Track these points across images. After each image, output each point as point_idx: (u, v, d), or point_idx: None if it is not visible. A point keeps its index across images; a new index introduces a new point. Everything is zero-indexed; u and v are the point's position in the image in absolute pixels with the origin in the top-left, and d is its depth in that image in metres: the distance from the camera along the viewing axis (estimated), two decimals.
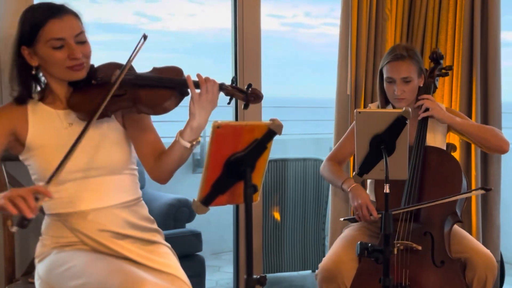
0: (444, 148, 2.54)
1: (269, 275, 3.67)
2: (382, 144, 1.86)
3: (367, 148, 1.89)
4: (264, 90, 3.02)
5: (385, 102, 2.53)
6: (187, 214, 3.61)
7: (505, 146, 2.46)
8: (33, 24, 1.71)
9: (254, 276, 1.32)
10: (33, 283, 2.02)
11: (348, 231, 2.48)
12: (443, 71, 2.59)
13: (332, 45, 3.34)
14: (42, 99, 1.82)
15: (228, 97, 1.82)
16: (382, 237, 2.31)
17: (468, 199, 3.04)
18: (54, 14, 1.70)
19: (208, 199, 1.38)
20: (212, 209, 1.42)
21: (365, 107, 2.96)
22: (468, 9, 3.01)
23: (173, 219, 3.55)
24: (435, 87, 2.55)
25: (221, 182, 1.37)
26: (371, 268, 2.21)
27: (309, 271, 3.88)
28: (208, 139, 1.35)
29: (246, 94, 1.80)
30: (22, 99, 1.79)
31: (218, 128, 1.31)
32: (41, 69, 1.77)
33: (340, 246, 2.37)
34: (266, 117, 1.50)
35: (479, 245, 2.34)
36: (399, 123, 1.85)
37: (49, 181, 1.61)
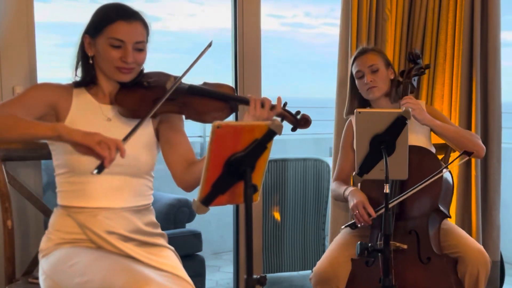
0: (431, 148, 2.54)
1: (269, 275, 3.66)
2: (382, 144, 1.87)
3: (367, 148, 1.89)
4: (264, 90, 3.03)
5: (359, 105, 2.59)
6: (187, 214, 3.61)
7: (480, 151, 2.49)
8: (103, 18, 1.80)
9: (254, 276, 1.32)
10: (33, 283, 2.02)
11: (341, 234, 2.50)
12: (421, 70, 2.61)
13: (332, 45, 3.33)
14: (87, 88, 1.87)
15: (279, 118, 1.93)
16: (373, 237, 2.32)
17: (468, 198, 3.04)
18: (124, 17, 1.80)
19: (208, 199, 1.38)
20: (212, 209, 1.42)
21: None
22: (468, 9, 3.01)
23: (173, 219, 3.55)
24: (413, 87, 2.56)
25: (221, 182, 1.37)
26: (363, 271, 2.22)
27: (309, 271, 3.88)
28: (208, 139, 1.35)
29: (296, 118, 1.93)
30: (84, 83, 1.86)
31: (218, 128, 1.31)
32: (94, 59, 1.84)
33: (333, 249, 2.37)
34: None
35: (471, 240, 2.34)
36: (399, 123, 1.85)
37: (126, 138, 1.65)
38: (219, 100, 1.88)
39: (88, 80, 1.86)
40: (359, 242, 1.85)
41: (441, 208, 2.31)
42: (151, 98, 1.82)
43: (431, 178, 2.23)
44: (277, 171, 3.68)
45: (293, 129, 1.94)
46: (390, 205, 2.22)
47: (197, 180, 1.87)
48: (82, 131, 1.59)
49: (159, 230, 1.94)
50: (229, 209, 3.06)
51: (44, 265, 1.79)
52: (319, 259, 2.37)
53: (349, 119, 2.67)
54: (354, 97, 2.61)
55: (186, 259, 3.22)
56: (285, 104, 1.93)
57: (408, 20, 3.13)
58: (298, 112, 1.94)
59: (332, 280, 2.25)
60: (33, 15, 2.34)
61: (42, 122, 1.67)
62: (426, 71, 2.69)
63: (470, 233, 2.93)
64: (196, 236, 3.34)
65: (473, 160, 3.02)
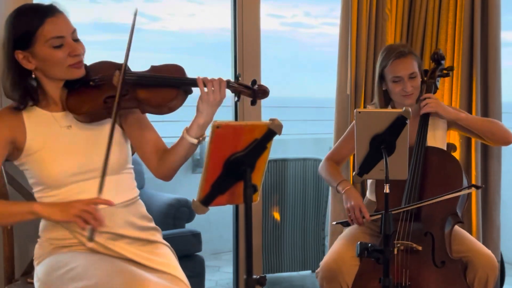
0: (445, 146, 2.54)
1: (269, 275, 3.66)
2: (382, 144, 1.86)
3: (367, 148, 1.89)
4: None
5: (385, 103, 2.53)
6: (187, 214, 3.60)
7: (510, 138, 2.46)
8: (28, 26, 1.68)
9: (254, 276, 1.32)
10: (32, 283, 2.02)
11: (349, 229, 2.48)
12: (444, 71, 2.59)
13: (332, 45, 3.33)
14: (35, 103, 1.78)
15: (235, 95, 1.83)
16: (382, 237, 2.32)
17: (469, 199, 3.03)
18: (49, 14, 1.69)
19: (207, 199, 1.38)
20: (212, 209, 1.42)
21: (365, 107, 2.96)
22: (468, 9, 3.00)
23: (173, 219, 3.54)
24: (436, 88, 2.56)
25: (221, 182, 1.37)
26: (372, 268, 2.21)
27: (309, 271, 3.88)
28: (208, 139, 1.34)
29: (253, 90, 1.81)
30: (24, 104, 1.76)
31: (218, 128, 1.31)
32: (37, 71, 1.74)
33: (341, 244, 2.36)
34: (266, 117, 1.50)
35: (480, 245, 2.34)
36: (399, 123, 1.85)
37: (100, 189, 1.63)
38: (171, 87, 1.77)
39: (33, 97, 1.76)
40: (358, 242, 1.84)
41: (458, 212, 2.32)
42: (101, 97, 1.74)
43: (455, 192, 2.23)
44: (277, 171, 3.68)
45: (253, 103, 1.82)
46: (410, 208, 2.25)
47: (172, 168, 1.85)
48: (58, 206, 1.62)
49: (153, 224, 1.92)
50: (229, 209, 3.05)
51: (38, 272, 1.77)
52: (319, 259, 2.37)
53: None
54: (381, 95, 2.51)
55: (186, 259, 3.23)
56: (237, 77, 1.84)
57: (408, 20, 3.12)
58: (254, 82, 1.82)
59: (339, 275, 2.24)
60: None
61: (18, 205, 1.71)
62: (450, 73, 2.65)
63: (470, 233, 2.93)
64: (196, 236, 3.34)
65: (473, 159, 3.03)
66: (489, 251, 2.29)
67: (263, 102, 3.03)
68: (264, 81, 3.02)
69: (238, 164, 1.35)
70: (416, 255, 2.24)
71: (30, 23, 1.68)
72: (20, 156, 1.78)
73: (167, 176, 1.88)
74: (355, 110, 1.91)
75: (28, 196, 2.18)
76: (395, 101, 2.49)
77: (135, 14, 1.75)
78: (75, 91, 1.77)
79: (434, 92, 2.54)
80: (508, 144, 2.58)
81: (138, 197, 1.92)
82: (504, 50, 3.14)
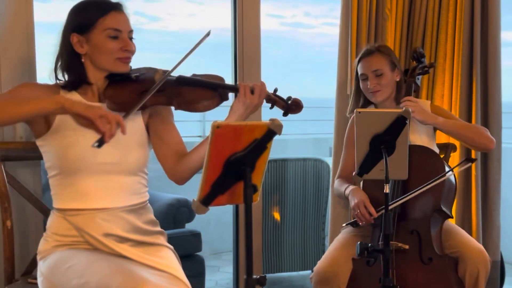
0: (434, 148, 2.53)
1: (269, 275, 3.66)
2: (382, 144, 1.86)
3: (367, 148, 1.89)
4: None
5: (364, 103, 2.58)
6: (187, 214, 3.60)
7: (490, 144, 2.45)
8: (93, 13, 1.78)
9: (254, 276, 1.32)
10: (32, 283, 2.02)
11: (342, 233, 2.50)
12: (425, 69, 2.60)
13: (332, 45, 3.34)
14: (75, 88, 1.84)
15: (270, 104, 1.92)
16: (375, 237, 2.32)
17: (469, 199, 3.03)
18: (115, 7, 1.80)
19: (208, 199, 1.38)
20: (212, 209, 1.42)
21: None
22: (468, 9, 3.00)
23: (173, 219, 3.54)
24: (417, 86, 2.56)
25: (221, 182, 1.37)
26: (364, 271, 2.22)
27: (309, 271, 3.88)
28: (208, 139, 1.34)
29: (287, 103, 1.91)
30: (73, 85, 1.82)
31: (218, 128, 1.31)
32: (86, 57, 1.81)
33: (334, 249, 2.37)
34: (266, 117, 1.50)
35: (470, 239, 2.34)
36: (399, 123, 1.85)
37: (126, 116, 1.66)
38: (208, 88, 1.84)
39: (80, 80, 1.83)
40: (359, 242, 1.84)
41: (443, 208, 2.31)
42: (140, 90, 1.80)
43: (435, 180, 2.22)
44: (277, 171, 3.68)
45: (285, 114, 1.93)
46: (392, 206, 2.23)
47: (188, 172, 1.87)
48: (85, 103, 1.59)
49: (158, 228, 1.93)
50: (229, 209, 3.05)
51: (42, 267, 1.78)
52: (319, 259, 2.37)
53: (352, 117, 2.66)
54: (358, 95, 2.60)
55: (186, 259, 3.22)
56: (275, 90, 1.92)
57: (408, 20, 3.13)
58: (289, 98, 1.92)
59: (333, 279, 2.25)
60: (33, 15, 2.33)
61: (42, 97, 1.66)
62: (430, 70, 2.67)
63: (470, 233, 2.93)
64: (196, 236, 3.34)
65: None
66: (479, 245, 2.28)
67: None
68: (264, 81, 3.02)
69: (238, 164, 1.35)
70: (404, 254, 2.23)
71: (95, 12, 1.78)
72: (46, 133, 1.79)
73: (181, 179, 1.91)
74: (355, 110, 1.91)
75: (29, 196, 2.18)
76: (369, 99, 2.54)
77: (208, 34, 1.84)
78: (116, 83, 1.84)
79: (415, 91, 2.54)
80: (489, 151, 2.62)
81: (147, 202, 1.93)
82: (504, 50, 3.15)
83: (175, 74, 1.85)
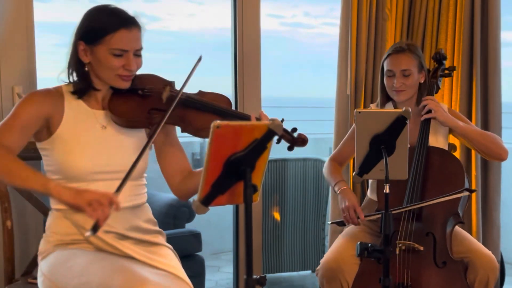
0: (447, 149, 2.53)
1: (269, 275, 3.66)
2: (382, 144, 1.86)
3: (367, 148, 1.89)
4: (264, 90, 3.03)
5: (386, 99, 2.53)
6: (187, 214, 3.60)
7: (504, 155, 2.46)
8: (102, 26, 1.72)
9: (254, 276, 1.32)
10: (32, 283, 2.02)
11: (350, 228, 2.48)
12: (446, 71, 2.59)
13: (332, 45, 3.33)
14: (80, 96, 1.82)
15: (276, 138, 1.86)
16: (382, 236, 2.32)
17: (469, 200, 3.03)
18: (126, 24, 1.73)
19: (208, 199, 1.38)
20: (212, 209, 1.42)
21: (365, 107, 2.96)
22: (468, 9, 3.00)
23: (173, 219, 3.54)
24: (438, 88, 2.56)
25: (221, 182, 1.37)
26: (373, 268, 2.21)
27: (309, 271, 3.88)
28: (208, 139, 1.34)
29: (293, 137, 1.88)
30: (81, 92, 1.80)
31: (218, 128, 1.31)
32: (89, 65, 1.78)
33: (342, 243, 2.36)
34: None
35: (481, 246, 2.34)
36: (399, 123, 1.85)
37: (118, 189, 1.61)
38: (217, 115, 1.83)
39: (84, 88, 1.80)
40: (359, 242, 1.84)
41: (460, 212, 2.32)
42: (146, 108, 1.78)
43: (454, 194, 2.23)
44: (277, 171, 3.68)
45: (290, 148, 1.90)
46: (411, 207, 2.25)
47: (192, 191, 1.89)
48: (73, 190, 1.58)
49: (157, 228, 1.94)
50: (229, 209, 3.05)
51: (43, 267, 1.78)
52: (319, 259, 2.37)
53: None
54: (383, 90, 2.53)
55: (186, 259, 3.21)
56: (282, 121, 1.86)
57: (408, 20, 3.13)
58: (294, 130, 1.90)
59: (339, 274, 2.25)
60: (33, 14, 2.34)
61: (35, 174, 1.63)
62: (453, 73, 2.65)
63: (470, 233, 2.93)
64: (196, 236, 3.33)
65: (473, 160, 3.03)
66: (489, 252, 2.28)
67: (263, 102, 3.04)
68: (264, 81, 3.02)
69: (238, 164, 1.35)
70: (418, 255, 2.24)
71: (105, 25, 1.72)
72: (48, 139, 1.78)
73: (185, 196, 1.93)
74: (355, 110, 1.91)
75: (29, 196, 2.18)
76: (391, 96, 2.50)
77: (199, 60, 1.82)
78: (121, 95, 1.81)
79: (436, 92, 2.54)
80: (501, 161, 2.61)
81: (145, 202, 1.93)
82: (504, 50, 3.14)
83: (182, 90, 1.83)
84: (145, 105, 1.79)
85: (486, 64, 3.04)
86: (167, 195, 3.69)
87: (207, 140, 1.35)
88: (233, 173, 1.36)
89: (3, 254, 2.10)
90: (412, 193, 2.30)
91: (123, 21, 1.74)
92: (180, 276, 1.77)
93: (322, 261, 2.31)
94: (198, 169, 1.88)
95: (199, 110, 1.83)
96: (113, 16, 1.75)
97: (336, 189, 2.43)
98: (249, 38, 2.94)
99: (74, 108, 1.80)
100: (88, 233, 1.53)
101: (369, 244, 1.82)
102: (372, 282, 2.20)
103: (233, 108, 2.99)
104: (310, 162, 3.76)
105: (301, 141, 1.90)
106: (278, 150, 1.92)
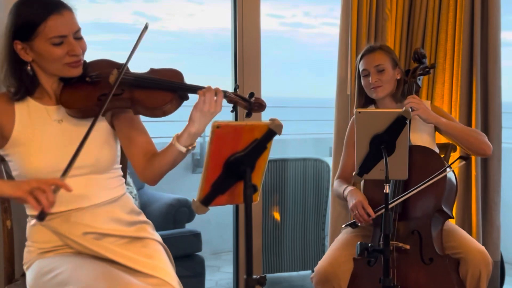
0: (434, 148, 2.53)
1: (269, 275, 3.66)
2: (382, 144, 1.86)
3: (367, 148, 1.89)
4: (264, 90, 3.03)
5: (365, 101, 2.58)
6: (187, 214, 3.61)
7: (487, 150, 2.47)
8: (31, 19, 1.64)
9: (254, 276, 1.32)
10: None
11: (343, 233, 2.49)
12: (426, 69, 2.60)
13: (332, 45, 3.34)
14: (29, 93, 1.76)
15: (231, 105, 1.79)
16: (376, 237, 2.32)
17: (468, 198, 3.03)
18: (54, 10, 1.65)
19: (207, 199, 1.38)
20: (212, 209, 1.42)
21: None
22: (468, 9, 3.00)
23: (173, 219, 3.55)
24: (418, 87, 2.56)
25: (221, 182, 1.37)
26: (365, 271, 2.22)
27: (309, 271, 3.88)
28: (208, 139, 1.34)
29: (249, 102, 1.77)
30: (21, 96, 1.74)
31: (218, 128, 1.31)
32: (34, 63, 1.72)
33: (335, 249, 2.37)
34: (266, 117, 1.50)
35: (472, 241, 2.34)
36: (399, 123, 1.85)
37: (64, 174, 1.55)
38: (167, 90, 1.74)
39: (28, 88, 1.72)
40: (359, 242, 1.84)
41: (444, 208, 2.31)
42: (96, 94, 1.71)
43: (433, 178, 2.22)
44: (277, 171, 3.68)
45: (248, 115, 1.78)
46: (391, 205, 2.23)
47: (158, 172, 1.79)
48: (13, 182, 1.54)
49: (142, 217, 1.88)
50: (229, 209, 3.05)
51: (28, 278, 1.75)
52: (319, 259, 2.37)
53: (352, 117, 2.66)
54: (361, 93, 2.59)
55: (186, 259, 3.23)
56: (235, 88, 1.80)
57: (408, 20, 3.13)
58: (251, 94, 1.78)
59: (333, 279, 2.25)
60: None
61: None
62: (431, 70, 2.67)
63: (470, 233, 2.93)
64: (196, 236, 3.34)
65: (473, 160, 3.02)
66: (481, 247, 2.28)
67: None
68: (264, 81, 3.03)
69: (238, 164, 1.35)
70: (404, 254, 2.23)
71: (33, 16, 1.64)
72: (5, 146, 1.74)
73: (152, 180, 1.82)
74: (355, 110, 1.91)
75: None
76: (369, 95, 2.54)
77: (146, 27, 1.72)
78: (71, 86, 1.76)
79: (416, 92, 2.55)
80: (486, 157, 2.64)
81: (125, 193, 1.88)
82: (504, 50, 3.15)
83: (132, 70, 1.76)
84: (95, 92, 1.72)
85: (486, 64, 3.04)
86: (167, 195, 3.69)
87: (207, 140, 1.35)
88: (233, 173, 1.36)
89: (3, 254, 2.10)
90: (395, 192, 2.29)
91: (50, 7, 1.65)
92: (167, 280, 1.68)
93: (316, 268, 2.31)
94: (161, 150, 1.79)
95: (150, 88, 1.74)
96: (38, 5, 1.66)
97: (345, 193, 2.43)
98: (249, 38, 2.94)
99: (25, 109, 1.75)
100: (33, 221, 1.49)
101: (369, 244, 1.83)
102: (365, 284, 2.22)
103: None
104: (310, 162, 3.76)
105: (258, 105, 1.78)
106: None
